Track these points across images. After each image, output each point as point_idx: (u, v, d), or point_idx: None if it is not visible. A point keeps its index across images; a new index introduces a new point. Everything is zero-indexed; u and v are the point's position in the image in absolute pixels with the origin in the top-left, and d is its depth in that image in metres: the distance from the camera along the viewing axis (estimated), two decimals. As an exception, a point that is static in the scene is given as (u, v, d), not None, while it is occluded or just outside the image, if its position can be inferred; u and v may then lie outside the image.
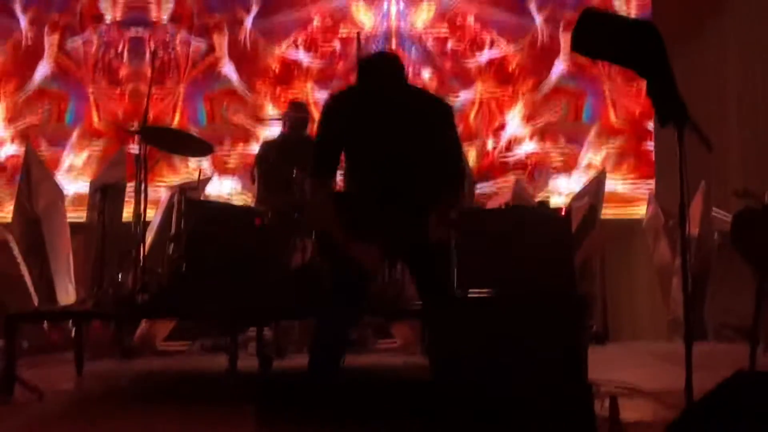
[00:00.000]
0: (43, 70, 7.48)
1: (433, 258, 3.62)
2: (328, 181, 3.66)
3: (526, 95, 7.64)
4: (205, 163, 7.14)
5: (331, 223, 3.57)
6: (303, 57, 7.67)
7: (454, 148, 3.73)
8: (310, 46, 7.67)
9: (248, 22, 7.63)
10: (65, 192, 7.06)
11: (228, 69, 7.55)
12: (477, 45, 7.72)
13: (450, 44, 7.69)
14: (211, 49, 7.60)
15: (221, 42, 7.55)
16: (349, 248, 3.48)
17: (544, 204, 5.55)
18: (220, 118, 7.58)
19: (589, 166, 7.59)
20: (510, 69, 7.69)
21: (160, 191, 6.86)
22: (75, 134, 7.52)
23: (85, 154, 7.48)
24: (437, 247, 3.60)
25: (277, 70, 7.61)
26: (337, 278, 3.65)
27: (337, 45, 7.70)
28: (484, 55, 7.70)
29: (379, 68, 3.60)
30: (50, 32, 7.45)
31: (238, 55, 7.60)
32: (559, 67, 7.65)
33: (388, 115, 3.52)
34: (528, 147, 7.64)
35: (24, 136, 7.41)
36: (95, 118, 7.52)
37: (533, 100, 7.64)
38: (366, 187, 3.61)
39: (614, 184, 7.57)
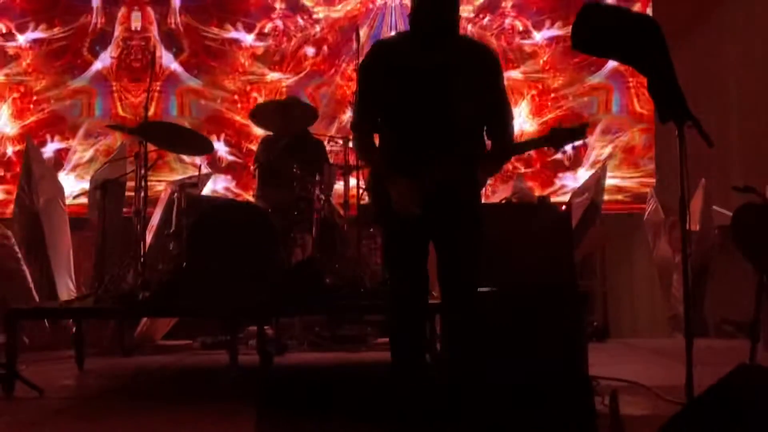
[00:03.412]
0: (102, 62, 7.66)
1: (463, 238, 3.39)
2: (369, 134, 3.47)
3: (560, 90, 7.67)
4: (198, 159, 7.16)
5: (375, 161, 3.47)
6: (244, 37, 7.70)
7: (506, 103, 3.49)
8: (251, 25, 7.73)
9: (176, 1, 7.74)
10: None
11: (167, 59, 7.64)
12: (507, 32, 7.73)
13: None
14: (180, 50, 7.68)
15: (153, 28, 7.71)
16: (390, 183, 3.33)
17: (544, 200, 5.54)
18: (189, 112, 7.66)
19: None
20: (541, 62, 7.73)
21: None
22: (82, 130, 7.60)
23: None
24: (469, 230, 3.39)
25: (244, 61, 7.67)
26: (390, 256, 3.48)
27: (279, 24, 7.71)
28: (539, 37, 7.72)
29: (434, 8, 3.30)
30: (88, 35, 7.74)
31: (170, 38, 7.70)
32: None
33: (433, 69, 3.30)
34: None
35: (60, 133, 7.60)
36: (120, 111, 7.64)
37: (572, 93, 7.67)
38: (406, 149, 3.36)
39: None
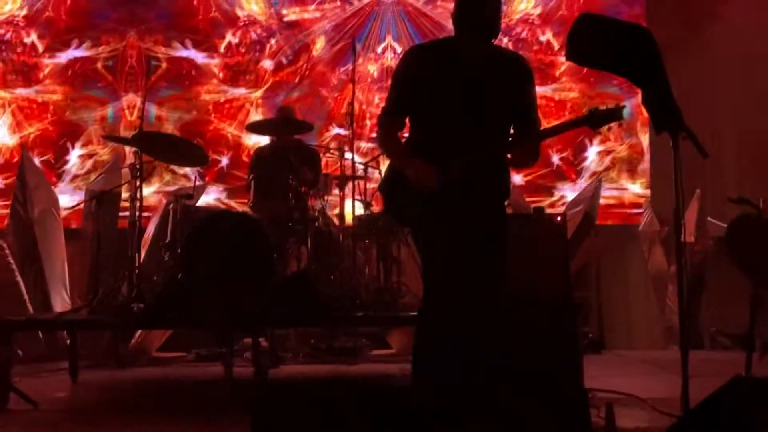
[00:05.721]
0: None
1: (492, 255, 3.42)
2: (397, 129, 3.50)
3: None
4: (188, 169, 7.15)
5: (397, 152, 3.48)
6: (195, 55, 7.69)
7: (535, 111, 3.54)
8: (201, 42, 7.71)
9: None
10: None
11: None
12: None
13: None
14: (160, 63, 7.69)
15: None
16: (406, 166, 3.35)
17: (539, 211, 5.54)
18: (167, 120, 7.66)
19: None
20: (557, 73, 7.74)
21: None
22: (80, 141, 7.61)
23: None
24: (496, 246, 3.44)
25: (218, 72, 7.65)
26: (430, 282, 3.42)
27: (232, 39, 7.69)
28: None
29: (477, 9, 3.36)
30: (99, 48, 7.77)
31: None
32: None
33: (469, 71, 3.36)
34: (592, 149, 7.68)
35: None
36: (128, 117, 7.64)
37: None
38: (434, 147, 3.37)
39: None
